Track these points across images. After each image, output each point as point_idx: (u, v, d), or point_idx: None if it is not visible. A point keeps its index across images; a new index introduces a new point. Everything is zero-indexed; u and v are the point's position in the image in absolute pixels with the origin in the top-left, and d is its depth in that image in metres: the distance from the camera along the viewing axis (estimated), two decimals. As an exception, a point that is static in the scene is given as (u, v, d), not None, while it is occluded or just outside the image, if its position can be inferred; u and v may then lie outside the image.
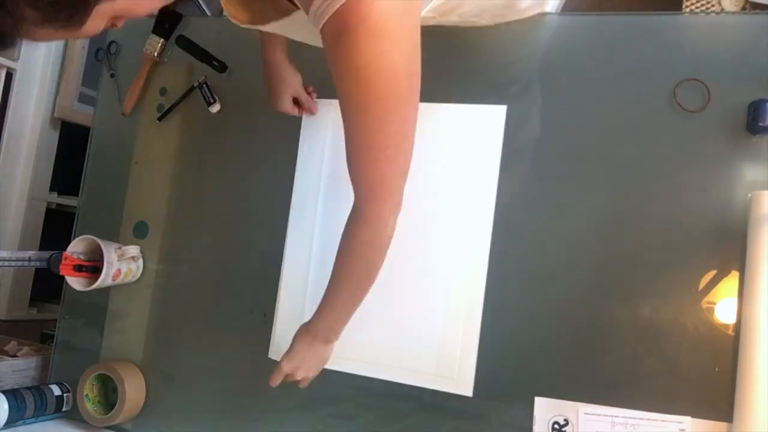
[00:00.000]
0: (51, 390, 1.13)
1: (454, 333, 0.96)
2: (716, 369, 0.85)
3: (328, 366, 1.01)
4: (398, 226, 1.00)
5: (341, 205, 1.05)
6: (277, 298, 1.06)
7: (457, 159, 0.99)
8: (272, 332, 1.06)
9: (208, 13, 1.53)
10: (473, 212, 0.97)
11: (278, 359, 0.93)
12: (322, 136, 1.08)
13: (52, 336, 1.24)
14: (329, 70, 0.63)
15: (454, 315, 0.96)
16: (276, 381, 0.93)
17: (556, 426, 0.90)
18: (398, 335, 0.99)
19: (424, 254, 0.99)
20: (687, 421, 0.85)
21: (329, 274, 0.88)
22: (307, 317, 1.02)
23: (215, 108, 1.16)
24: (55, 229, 1.61)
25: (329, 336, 0.93)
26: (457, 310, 0.96)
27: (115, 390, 1.10)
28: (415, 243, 1.00)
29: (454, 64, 1.02)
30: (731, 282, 0.86)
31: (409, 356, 0.98)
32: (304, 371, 0.93)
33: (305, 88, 1.05)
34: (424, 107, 1.00)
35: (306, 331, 0.93)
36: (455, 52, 1.02)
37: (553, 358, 0.92)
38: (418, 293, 0.99)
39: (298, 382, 0.95)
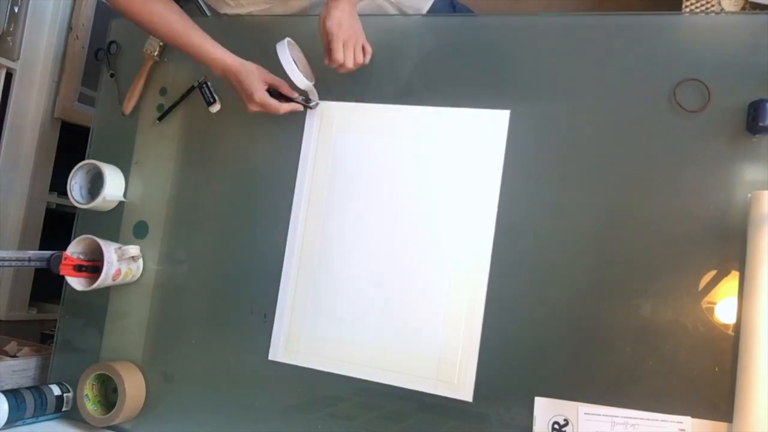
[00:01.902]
0: (51, 390, 1.13)
1: (455, 337, 0.96)
2: (716, 369, 0.85)
3: (329, 368, 1.01)
4: (401, 229, 1.00)
5: (343, 205, 1.05)
6: (278, 298, 1.06)
7: (460, 162, 0.99)
8: (272, 332, 1.06)
9: (208, 14, 1.53)
10: (475, 215, 0.97)
11: (278, 360, 0.92)
12: (325, 137, 1.08)
13: (52, 336, 1.24)
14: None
15: (456, 317, 0.96)
16: (337, 56, 0.93)
17: (556, 426, 0.90)
18: (399, 338, 0.99)
19: (426, 257, 0.99)
20: (687, 421, 0.85)
21: (330, 274, 0.88)
22: (308, 317, 1.02)
23: (215, 108, 1.16)
24: (55, 229, 1.61)
25: None
26: (459, 312, 0.96)
27: (115, 390, 1.10)
28: (417, 246, 1.00)
29: (459, 69, 1.02)
30: (731, 282, 0.86)
31: (409, 360, 0.97)
32: (355, 36, 0.95)
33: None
34: (431, 111, 1.02)
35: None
36: (460, 57, 1.03)
37: (553, 358, 0.92)
38: (419, 296, 0.99)
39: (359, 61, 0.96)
